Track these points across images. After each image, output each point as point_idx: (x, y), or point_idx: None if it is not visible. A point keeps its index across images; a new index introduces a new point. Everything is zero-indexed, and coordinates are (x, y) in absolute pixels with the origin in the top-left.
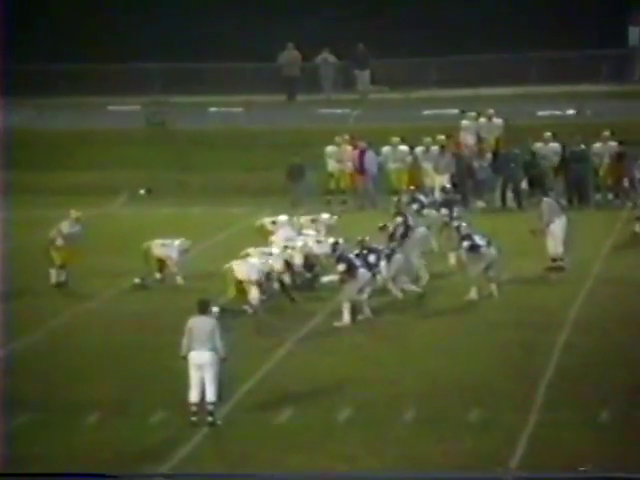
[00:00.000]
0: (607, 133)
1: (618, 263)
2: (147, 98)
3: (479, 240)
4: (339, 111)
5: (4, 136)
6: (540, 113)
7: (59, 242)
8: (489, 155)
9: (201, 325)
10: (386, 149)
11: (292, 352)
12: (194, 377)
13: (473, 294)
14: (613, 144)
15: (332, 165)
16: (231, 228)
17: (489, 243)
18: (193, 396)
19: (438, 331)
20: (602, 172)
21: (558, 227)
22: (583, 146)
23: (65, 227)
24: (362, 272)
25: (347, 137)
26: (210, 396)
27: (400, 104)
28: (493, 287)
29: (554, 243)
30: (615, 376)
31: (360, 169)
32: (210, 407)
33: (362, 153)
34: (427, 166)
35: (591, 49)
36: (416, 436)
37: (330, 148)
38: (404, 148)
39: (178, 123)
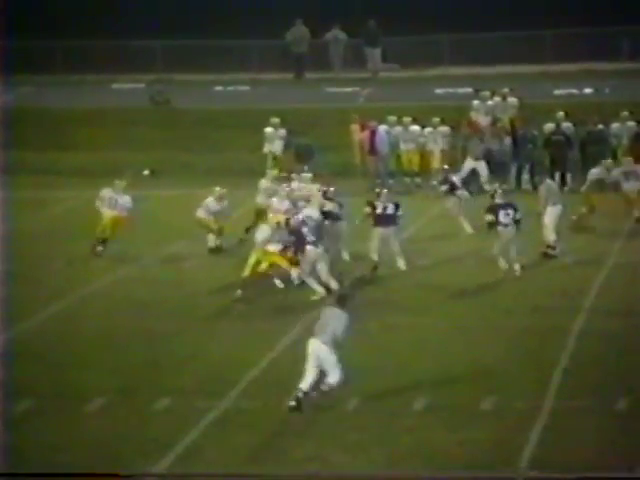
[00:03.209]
0: (625, 113)
1: (637, 247)
2: (151, 76)
3: (502, 217)
4: (349, 90)
5: (4, 114)
6: (557, 92)
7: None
8: (508, 139)
9: (329, 315)
10: (398, 129)
11: (300, 339)
12: (309, 363)
13: (501, 264)
14: (632, 124)
15: (267, 147)
16: (237, 210)
17: (510, 222)
18: (305, 381)
19: (451, 317)
20: (621, 153)
21: (550, 214)
22: (601, 126)
23: (212, 204)
24: (309, 249)
25: (356, 116)
26: (331, 380)
27: (412, 82)
28: (516, 267)
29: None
30: (633, 363)
31: (371, 150)
32: (325, 388)
33: (373, 133)
34: (434, 147)
35: (610, 25)
36: (429, 425)
37: (269, 129)
38: (416, 128)
39: (183, 102)
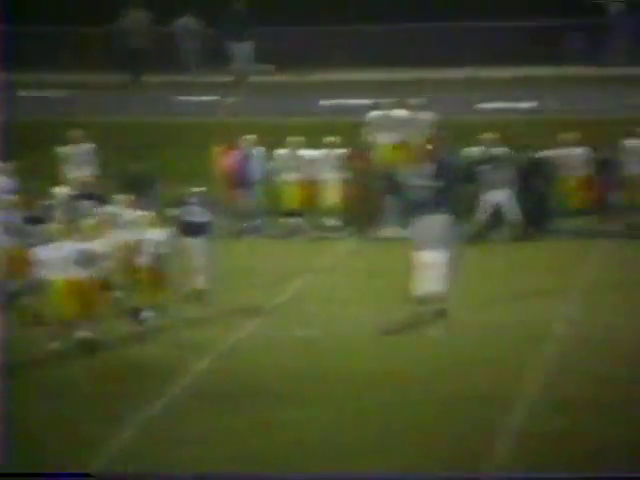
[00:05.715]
0: (571, 135)
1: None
2: None
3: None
4: (205, 98)
5: None
6: (481, 105)
7: None
8: (426, 166)
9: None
10: (281, 153)
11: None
12: None
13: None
14: (579, 150)
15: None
16: None
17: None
18: None
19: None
20: (568, 187)
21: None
22: (546, 152)
23: None
24: None
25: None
26: None
27: (291, 90)
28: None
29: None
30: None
31: (242, 180)
32: None
33: (244, 159)
34: (328, 177)
35: (552, 18)
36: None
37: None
38: (307, 152)
39: None
